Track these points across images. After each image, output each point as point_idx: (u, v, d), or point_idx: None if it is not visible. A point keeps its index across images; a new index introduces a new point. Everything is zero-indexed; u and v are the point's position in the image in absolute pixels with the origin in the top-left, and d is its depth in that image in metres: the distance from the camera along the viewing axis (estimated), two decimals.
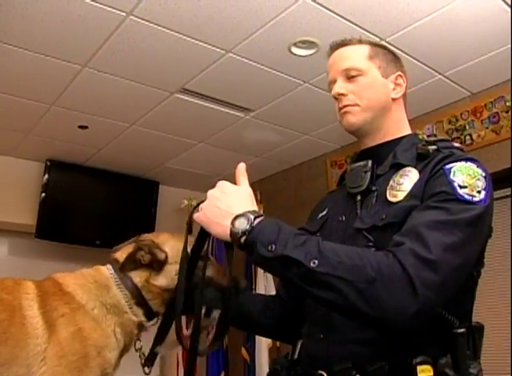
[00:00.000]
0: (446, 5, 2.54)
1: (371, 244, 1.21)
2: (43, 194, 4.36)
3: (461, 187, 1.15)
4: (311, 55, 2.90)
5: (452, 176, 1.17)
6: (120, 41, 2.78)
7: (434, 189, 1.17)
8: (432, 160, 1.25)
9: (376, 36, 2.75)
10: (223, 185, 1.22)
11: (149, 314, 1.40)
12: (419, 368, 1.10)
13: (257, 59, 3.00)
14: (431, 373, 1.10)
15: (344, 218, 1.36)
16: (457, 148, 1.32)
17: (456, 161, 1.21)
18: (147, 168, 4.79)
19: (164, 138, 4.10)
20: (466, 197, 1.14)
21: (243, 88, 3.35)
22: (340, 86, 1.38)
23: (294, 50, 2.88)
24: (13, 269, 4.53)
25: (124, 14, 2.56)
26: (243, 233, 1.10)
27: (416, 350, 1.12)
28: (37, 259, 4.58)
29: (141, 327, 1.40)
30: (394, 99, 1.40)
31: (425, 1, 2.51)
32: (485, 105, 3.38)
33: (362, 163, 1.37)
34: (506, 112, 3.26)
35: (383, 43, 1.50)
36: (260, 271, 4.31)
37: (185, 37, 2.76)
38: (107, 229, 4.65)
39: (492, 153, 3.28)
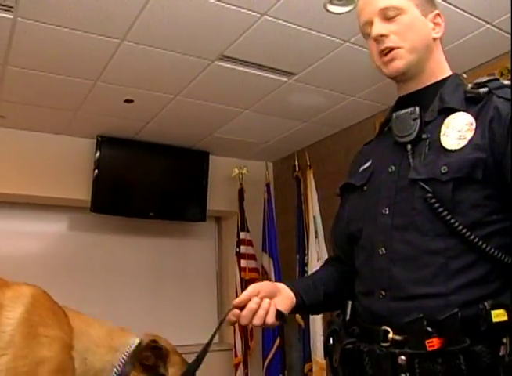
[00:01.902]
0: None
1: (430, 195, 1.17)
2: (96, 169, 4.47)
3: None
4: (348, 12, 2.79)
5: None
6: (153, 12, 2.77)
7: None
8: (487, 105, 1.19)
9: None
10: None
11: None
12: (493, 313, 1.07)
13: (293, 20, 2.92)
14: (506, 317, 1.07)
15: (393, 168, 1.30)
16: (507, 86, 1.24)
17: None
18: (196, 139, 4.82)
19: (210, 107, 4.09)
20: None
21: (283, 52, 3.28)
22: (380, 27, 1.29)
23: (330, 8, 2.78)
24: (74, 243, 4.72)
25: None
26: None
27: (489, 297, 1.10)
28: (94, 233, 4.76)
29: None
30: (435, 39, 1.33)
31: None
32: None
33: (409, 110, 1.29)
34: None
35: None
36: (312, 236, 4.29)
37: (218, 2, 2.71)
38: (160, 200, 4.76)
39: None
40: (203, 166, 4.99)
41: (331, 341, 1.35)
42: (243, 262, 4.71)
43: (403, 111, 1.31)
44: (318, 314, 1.47)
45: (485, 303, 1.08)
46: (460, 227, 1.13)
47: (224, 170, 5.05)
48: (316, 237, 4.26)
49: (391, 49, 1.29)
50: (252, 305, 1.23)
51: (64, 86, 3.60)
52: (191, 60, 3.33)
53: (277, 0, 2.71)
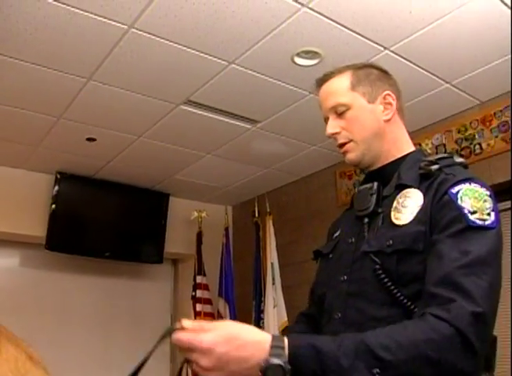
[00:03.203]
0: (448, 14, 2.51)
1: (378, 266, 1.25)
2: (53, 206, 4.37)
3: (471, 213, 1.18)
4: (314, 65, 2.88)
5: (460, 202, 1.20)
6: (122, 53, 2.79)
7: (445, 219, 1.20)
8: (435, 181, 1.27)
9: (379, 45, 2.73)
10: (209, 348, 1.01)
11: None
12: None
13: (260, 70, 2.99)
14: None
15: (353, 240, 1.40)
16: (460, 164, 1.34)
17: (460, 183, 1.23)
18: (157, 180, 4.80)
19: (172, 150, 4.11)
20: (479, 222, 1.17)
21: (248, 100, 3.34)
22: (331, 126, 1.44)
23: (297, 60, 2.87)
24: (25, 280, 4.58)
25: (125, 27, 2.57)
26: None
27: None
28: (47, 271, 4.62)
29: None
30: (386, 121, 1.42)
31: (427, 9, 2.48)
32: (495, 113, 3.33)
33: (368, 185, 1.40)
34: None
35: (367, 62, 1.51)
36: (269, 283, 4.28)
37: (187, 48, 2.76)
38: (117, 241, 4.68)
39: (501, 162, 3.23)
40: (163, 207, 4.95)
41: None
42: (199, 307, 4.64)
43: (363, 186, 1.43)
44: None
45: None
46: (402, 297, 1.21)
47: (183, 212, 5.02)
48: (273, 284, 4.25)
49: (344, 144, 1.42)
50: None
51: (26, 121, 3.56)
52: (156, 103, 3.35)
53: (246, 50, 2.78)
